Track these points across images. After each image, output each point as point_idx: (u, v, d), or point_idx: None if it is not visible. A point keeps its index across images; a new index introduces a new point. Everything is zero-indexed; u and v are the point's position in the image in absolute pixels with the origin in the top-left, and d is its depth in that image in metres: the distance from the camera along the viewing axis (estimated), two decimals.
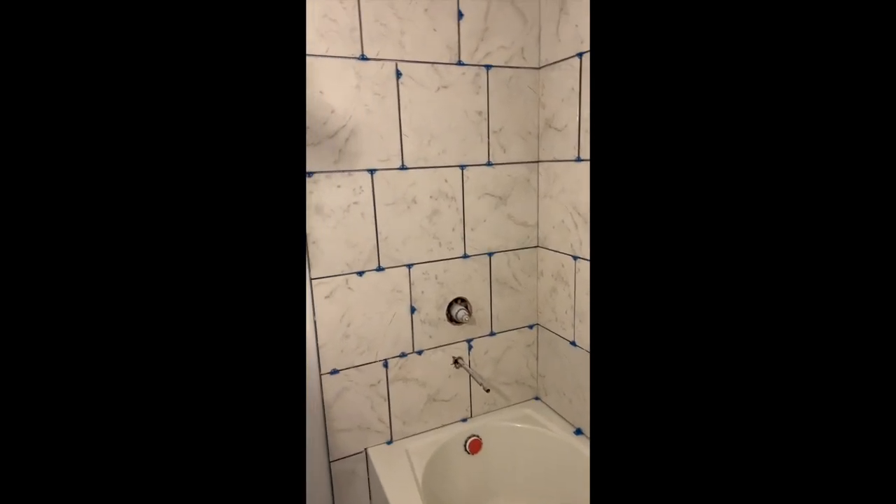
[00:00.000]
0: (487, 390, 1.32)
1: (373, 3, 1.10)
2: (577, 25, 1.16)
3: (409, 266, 1.28)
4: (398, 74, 1.16)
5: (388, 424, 1.35)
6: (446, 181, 1.28)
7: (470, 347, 1.43)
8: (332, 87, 1.09)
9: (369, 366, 1.29)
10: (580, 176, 1.22)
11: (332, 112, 1.10)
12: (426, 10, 1.16)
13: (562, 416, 1.46)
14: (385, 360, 1.31)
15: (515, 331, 1.49)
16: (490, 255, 1.39)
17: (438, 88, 1.21)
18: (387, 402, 1.34)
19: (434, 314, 1.35)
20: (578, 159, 1.22)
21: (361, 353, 1.27)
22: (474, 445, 1.42)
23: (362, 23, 1.10)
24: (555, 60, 1.25)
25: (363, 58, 1.11)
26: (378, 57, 1.13)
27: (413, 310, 1.31)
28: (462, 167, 1.29)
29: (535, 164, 1.39)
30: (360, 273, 1.22)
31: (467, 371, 1.42)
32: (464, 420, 1.47)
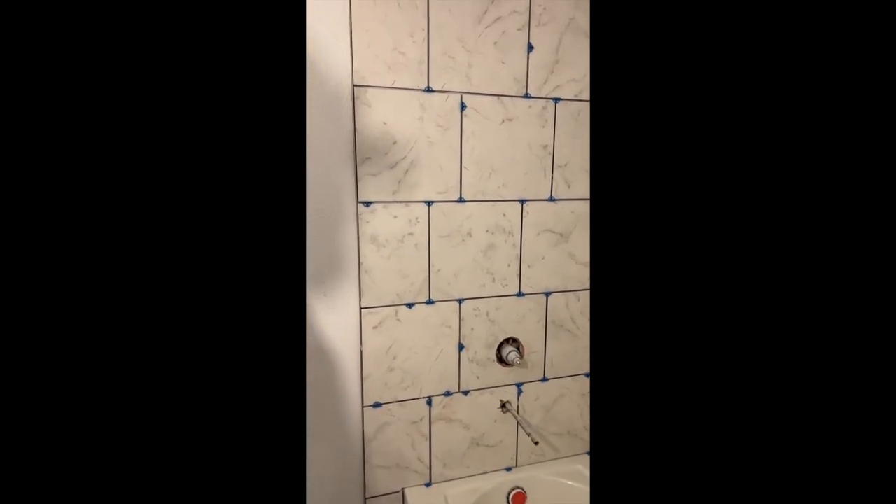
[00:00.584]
0: (536, 442, 1.22)
1: (442, 37, 1.09)
2: None
3: (460, 301, 1.23)
4: (462, 106, 1.14)
5: (428, 465, 1.29)
6: (504, 215, 1.23)
7: (520, 392, 1.34)
8: (395, 118, 1.09)
9: (413, 402, 1.24)
10: None
11: (395, 143, 1.10)
12: (496, 43, 1.13)
13: None
14: (429, 397, 1.25)
15: (570, 378, 1.38)
16: (547, 294, 1.31)
17: (503, 121, 1.18)
18: (428, 442, 1.28)
19: (483, 353, 1.28)
20: None
21: (405, 388, 1.23)
22: (518, 499, 1.31)
23: (430, 56, 1.09)
24: None
25: (429, 90, 1.11)
26: (443, 89, 1.12)
27: (461, 347, 1.26)
28: (522, 201, 1.23)
29: None
30: (410, 305, 1.19)
31: (515, 417, 1.33)
32: (508, 469, 1.37)
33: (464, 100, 1.14)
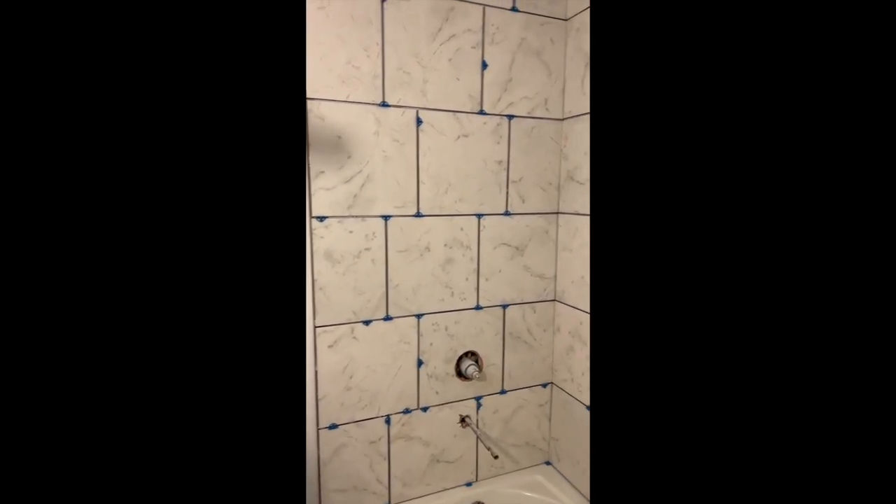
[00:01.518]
0: (496, 456, 1.22)
1: (397, 52, 1.09)
2: None
3: (419, 316, 1.22)
4: (418, 122, 1.14)
5: (388, 486, 1.26)
6: (462, 229, 1.23)
7: (479, 405, 1.34)
8: (350, 132, 1.07)
9: (370, 421, 1.21)
10: None
11: (349, 157, 1.08)
12: (450, 59, 1.15)
13: (574, 487, 1.34)
14: (388, 415, 1.23)
15: (528, 389, 1.40)
16: (504, 307, 1.32)
17: (459, 137, 1.19)
18: (387, 462, 1.24)
19: (442, 368, 1.27)
20: None
21: (363, 408, 1.19)
22: None
23: (385, 70, 1.09)
24: (579, 113, 1.23)
25: (384, 104, 1.10)
26: (399, 104, 1.11)
27: (420, 363, 1.24)
28: (479, 216, 1.25)
29: (555, 216, 1.34)
30: (367, 322, 1.16)
31: (475, 431, 1.32)
32: (468, 484, 1.36)
33: (420, 115, 1.14)
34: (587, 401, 1.26)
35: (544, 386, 1.42)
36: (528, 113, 1.26)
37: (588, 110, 1.19)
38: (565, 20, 1.26)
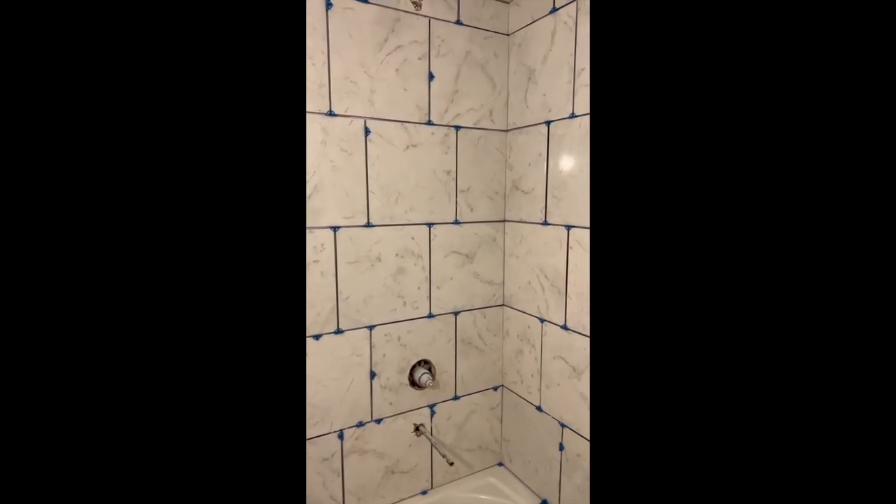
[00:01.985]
0: (451, 463, 1.23)
1: (344, 61, 1.08)
2: (544, 94, 1.19)
3: (371, 328, 1.21)
4: (367, 132, 1.13)
5: (341, 502, 1.23)
6: (413, 239, 1.24)
7: (433, 413, 1.35)
8: None
9: (323, 438, 1.17)
10: (547, 239, 1.22)
11: None
12: (397, 70, 1.15)
13: (526, 486, 1.38)
14: (341, 430, 1.20)
15: (479, 393, 1.43)
16: (456, 314, 1.34)
17: (408, 147, 1.19)
18: (340, 478, 1.21)
19: (395, 379, 1.27)
20: (545, 223, 1.22)
21: (315, 425, 1.16)
22: None
23: (331, 80, 1.07)
24: (522, 125, 1.28)
25: (331, 114, 1.08)
26: (347, 113, 1.10)
27: (373, 375, 1.23)
28: (430, 225, 1.26)
29: (502, 224, 1.39)
30: (317, 337, 1.13)
31: (429, 439, 1.33)
32: (423, 493, 1.36)
33: (368, 125, 1.13)
34: (537, 402, 1.31)
35: (495, 389, 1.46)
36: (475, 124, 1.29)
37: (529, 123, 1.24)
38: (507, 35, 1.31)
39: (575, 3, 1.07)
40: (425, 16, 1.17)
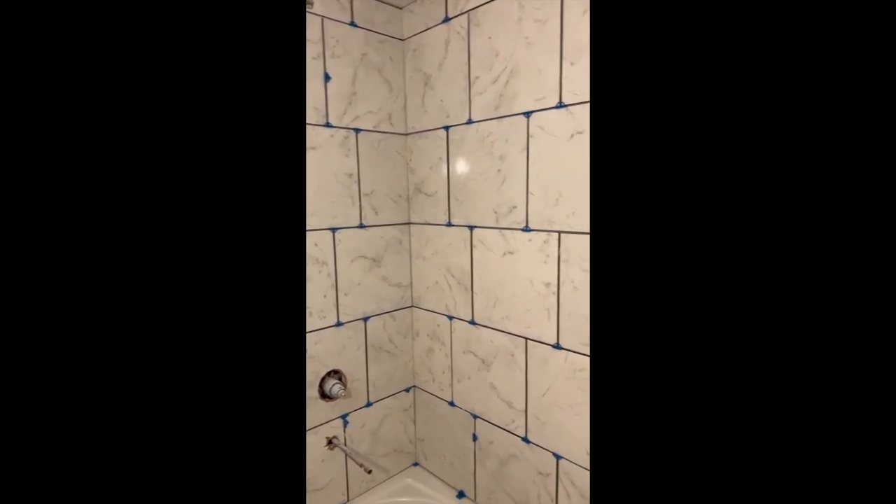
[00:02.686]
0: (369, 471, 1.21)
1: None
2: (441, 100, 1.23)
3: None
4: None
5: None
6: (316, 245, 1.19)
7: (346, 423, 1.31)
8: None
9: None
10: (452, 240, 1.27)
11: None
12: None
13: (443, 481, 1.42)
14: None
15: (391, 397, 1.43)
16: (366, 319, 1.32)
17: (307, 149, 1.14)
18: None
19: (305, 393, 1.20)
20: (449, 224, 1.27)
21: None
22: None
23: None
24: (422, 129, 1.31)
25: None
26: None
27: None
28: (333, 230, 1.22)
29: (407, 226, 1.40)
30: None
31: (343, 451, 1.29)
32: None
33: None
34: (449, 398, 1.36)
35: (407, 391, 1.47)
36: (374, 127, 1.29)
37: (428, 127, 1.28)
38: (402, 40, 1.33)
39: (467, 16, 1.13)
40: (318, 14, 1.13)
